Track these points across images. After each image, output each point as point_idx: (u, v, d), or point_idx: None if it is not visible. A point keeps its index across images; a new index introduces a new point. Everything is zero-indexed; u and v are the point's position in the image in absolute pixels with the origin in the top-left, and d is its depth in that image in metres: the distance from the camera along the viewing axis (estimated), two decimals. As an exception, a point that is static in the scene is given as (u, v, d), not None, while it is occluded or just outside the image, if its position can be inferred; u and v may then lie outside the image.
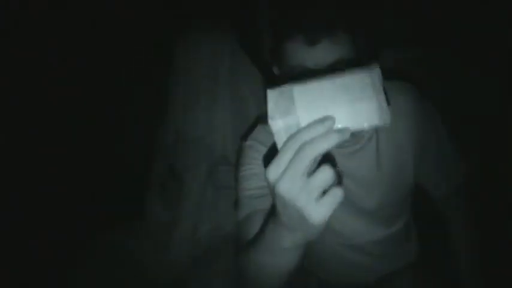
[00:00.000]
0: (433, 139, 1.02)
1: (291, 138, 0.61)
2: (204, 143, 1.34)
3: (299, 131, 0.61)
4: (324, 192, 0.61)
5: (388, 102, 0.64)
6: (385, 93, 0.64)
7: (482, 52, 1.58)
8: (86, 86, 1.87)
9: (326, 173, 0.59)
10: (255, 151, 0.98)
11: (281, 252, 0.73)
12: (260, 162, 0.97)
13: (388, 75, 1.03)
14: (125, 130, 1.84)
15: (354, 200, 1.02)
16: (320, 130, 0.60)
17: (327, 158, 0.69)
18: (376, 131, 0.99)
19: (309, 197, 0.60)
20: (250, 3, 1.72)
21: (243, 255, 0.89)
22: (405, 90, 1.01)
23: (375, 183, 1.01)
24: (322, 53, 0.83)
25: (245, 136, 1.03)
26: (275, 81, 0.96)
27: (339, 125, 0.62)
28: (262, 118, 1.03)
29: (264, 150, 0.97)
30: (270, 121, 0.64)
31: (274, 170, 0.61)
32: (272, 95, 0.65)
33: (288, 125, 0.63)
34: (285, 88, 0.65)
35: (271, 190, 0.63)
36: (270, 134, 0.64)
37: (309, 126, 0.61)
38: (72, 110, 1.86)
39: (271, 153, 0.74)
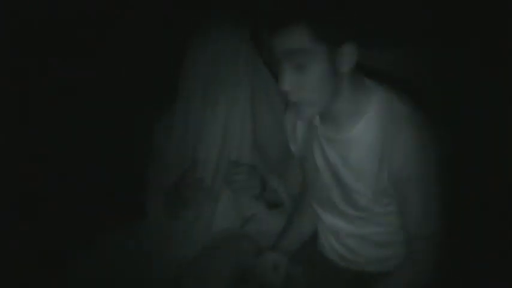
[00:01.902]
0: (407, 178, 0.96)
1: None
2: (220, 153, 1.32)
3: None
4: None
5: None
6: None
7: (474, 51, 1.57)
8: (87, 84, 1.86)
9: None
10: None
11: None
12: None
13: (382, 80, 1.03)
14: (125, 129, 1.83)
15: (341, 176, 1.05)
16: None
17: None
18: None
19: None
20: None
21: None
22: (403, 115, 0.96)
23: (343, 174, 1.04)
24: (283, 42, 0.88)
25: None
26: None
27: None
28: None
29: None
30: None
31: None
32: None
33: None
34: None
35: None
36: None
37: None
38: (72, 109, 1.86)
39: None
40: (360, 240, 1.11)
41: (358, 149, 0.99)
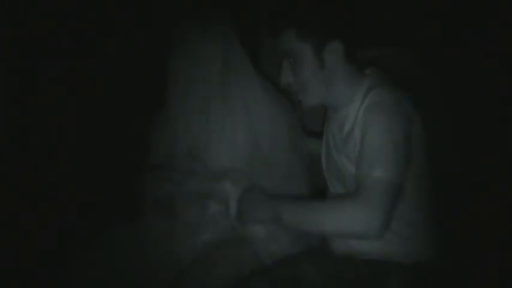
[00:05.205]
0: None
1: None
2: (202, 157, 1.33)
3: None
4: None
5: None
6: None
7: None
8: (85, 84, 1.86)
9: None
10: None
11: None
12: None
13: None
14: (125, 128, 1.83)
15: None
16: None
17: None
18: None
19: None
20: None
21: None
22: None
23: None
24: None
25: None
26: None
27: None
28: None
29: None
30: None
31: None
32: None
33: None
34: None
35: None
36: None
37: None
38: (72, 109, 1.86)
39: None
40: None
41: (347, 126, 1.11)
